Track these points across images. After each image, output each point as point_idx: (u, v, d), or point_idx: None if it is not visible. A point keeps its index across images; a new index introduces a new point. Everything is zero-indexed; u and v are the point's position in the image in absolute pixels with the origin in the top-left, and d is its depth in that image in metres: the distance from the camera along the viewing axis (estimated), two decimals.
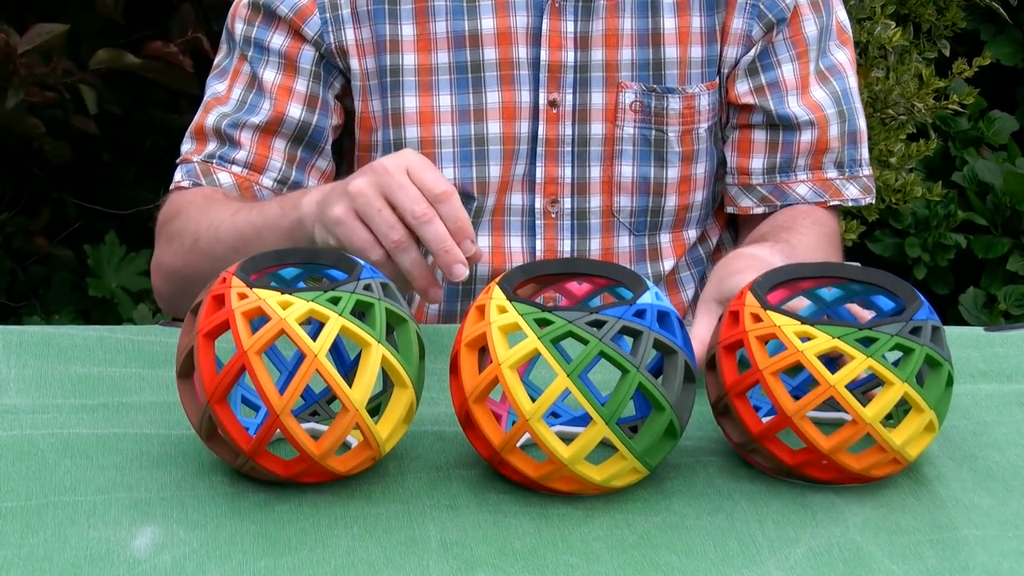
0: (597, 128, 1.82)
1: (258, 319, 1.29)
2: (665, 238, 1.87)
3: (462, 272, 1.46)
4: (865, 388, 1.43)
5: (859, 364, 1.29)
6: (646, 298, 1.31)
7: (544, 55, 1.80)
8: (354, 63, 1.81)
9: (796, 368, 1.33)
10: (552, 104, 1.81)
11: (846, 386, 1.29)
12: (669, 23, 1.80)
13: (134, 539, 1.25)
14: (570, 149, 1.82)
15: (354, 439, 1.35)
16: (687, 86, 1.82)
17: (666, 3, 1.80)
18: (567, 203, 1.83)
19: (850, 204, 1.87)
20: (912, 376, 1.30)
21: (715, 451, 1.40)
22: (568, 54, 1.80)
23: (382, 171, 1.50)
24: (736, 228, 1.95)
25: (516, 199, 1.83)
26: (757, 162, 1.85)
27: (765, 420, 1.33)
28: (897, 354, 1.32)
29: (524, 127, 1.81)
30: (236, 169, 1.82)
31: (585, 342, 1.28)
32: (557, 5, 1.79)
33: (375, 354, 1.29)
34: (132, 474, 1.34)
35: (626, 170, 1.83)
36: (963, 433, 1.45)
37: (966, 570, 1.24)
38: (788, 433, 1.32)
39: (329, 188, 1.57)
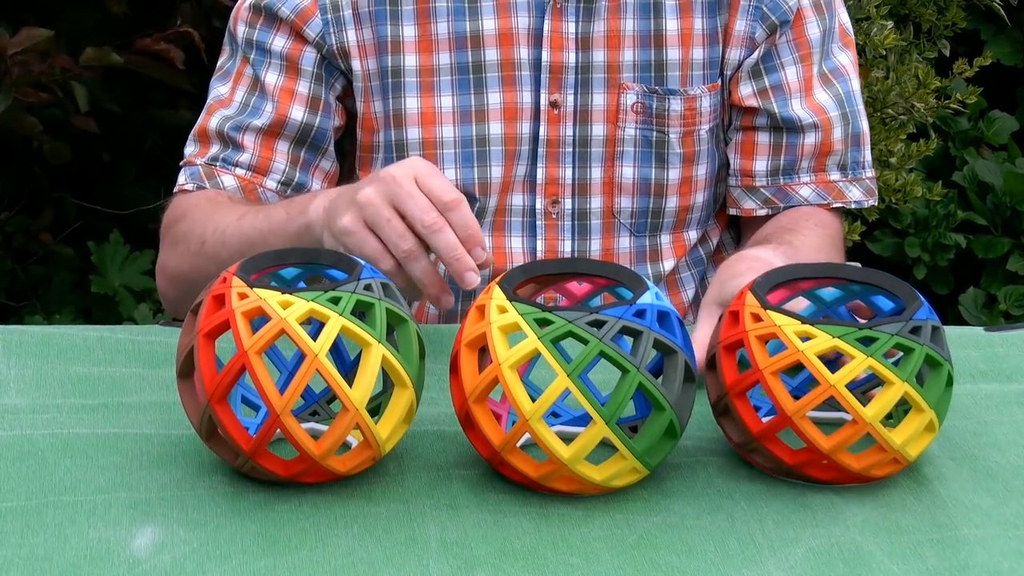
0: (598, 129, 1.82)
1: (258, 319, 1.29)
2: (665, 239, 1.87)
3: (474, 279, 1.46)
4: (865, 388, 1.43)
5: (859, 364, 1.29)
6: (646, 298, 1.31)
7: (545, 56, 1.80)
8: (356, 64, 1.81)
9: (796, 368, 1.34)
10: (553, 105, 1.81)
11: (846, 386, 1.29)
12: (671, 24, 1.81)
13: (134, 539, 1.25)
14: (571, 150, 1.82)
15: (354, 439, 1.35)
16: (689, 88, 1.82)
17: (668, 4, 1.80)
18: (568, 204, 1.84)
19: (853, 206, 1.88)
20: (912, 376, 1.30)
21: (715, 451, 1.40)
22: (569, 55, 1.80)
23: (390, 180, 1.50)
24: (737, 229, 1.95)
25: (517, 200, 1.83)
26: (760, 164, 1.85)
27: (765, 420, 1.33)
28: (897, 354, 1.32)
29: (525, 128, 1.82)
30: (240, 171, 1.82)
31: (585, 342, 1.28)
32: (559, 6, 1.79)
33: (375, 354, 1.29)
34: (132, 474, 1.34)
35: (627, 171, 1.83)
36: (963, 433, 1.45)
37: (966, 570, 1.24)
38: (788, 433, 1.32)
39: (336, 194, 1.57)
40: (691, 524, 1.29)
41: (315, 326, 1.29)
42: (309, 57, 1.82)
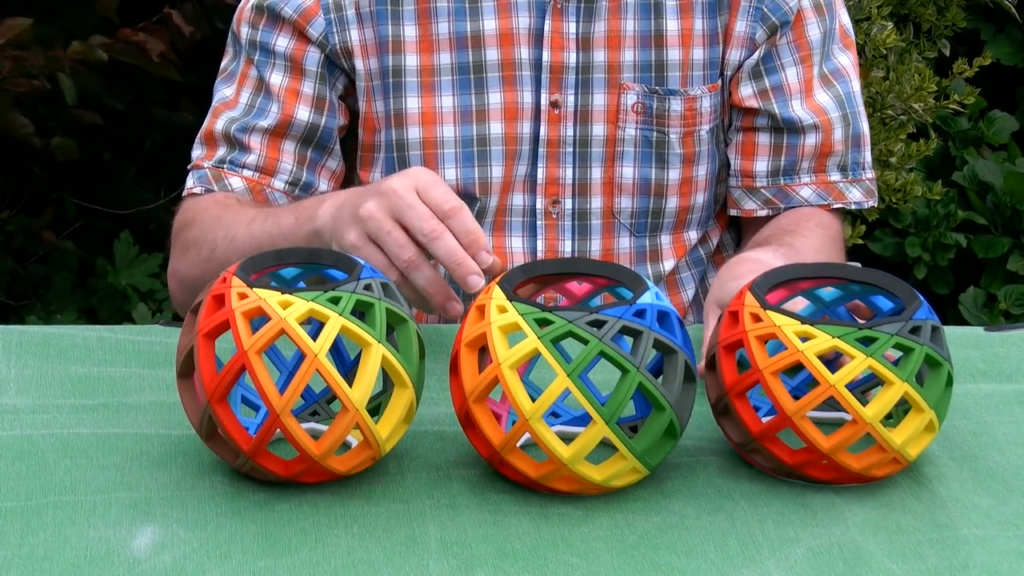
0: (599, 129, 1.82)
1: (258, 319, 1.29)
2: (666, 239, 1.87)
3: (477, 283, 1.46)
4: (864, 388, 1.43)
5: (859, 364, 1.29)
6: (646, 298, 1.31)
7: (546, 56, 1.80)
8: (359, 63, 1.82)
9: (794, 368, 1.33)
10: (554, 105, 1.81)
11: (845, 386, 1.29)
12: (672, 25, 1.81)
13: (134, 539, 1.25)
14: (571, 150, 1.82)
15: (354, 439, 1.35)
16: (689, 88, 1.82)
17: (669, 5, 1.80)
18: (568, 204, 1.84)
19: (853, 207, 1.88)
20: (912, 376, 1.30)
21: (715, 451, 1.40)
22: (570, 55, 1.80)
23: (391, 192, 1.50)
24: (738, 230, 1.95)
25: (518, 200, 1.84)
26: (761, 165, 1.85)
27: (765, 420, 1.33)
28: (896, 354, 1.32)
29: (526, 128, 1.82)
30: (247, 173, 1.82)
31: (585, 342, 1.28)
32: (559, 6, 1.79)
33: (375, 354, 1.29)
34: (132, 474, 1.34)
35: (627, 171, 1.83)
36: (963, 433, 1.45)
37: (966, 569, 1.24)
38: (788, 433, 1.32)
39: (341, 201, 1.57)
40: (691, 524, 1.29)
41: (315, 326, 1.29)
42: (313, 57, 1.82)
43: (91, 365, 1.53)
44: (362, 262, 1.35)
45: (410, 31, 1.81)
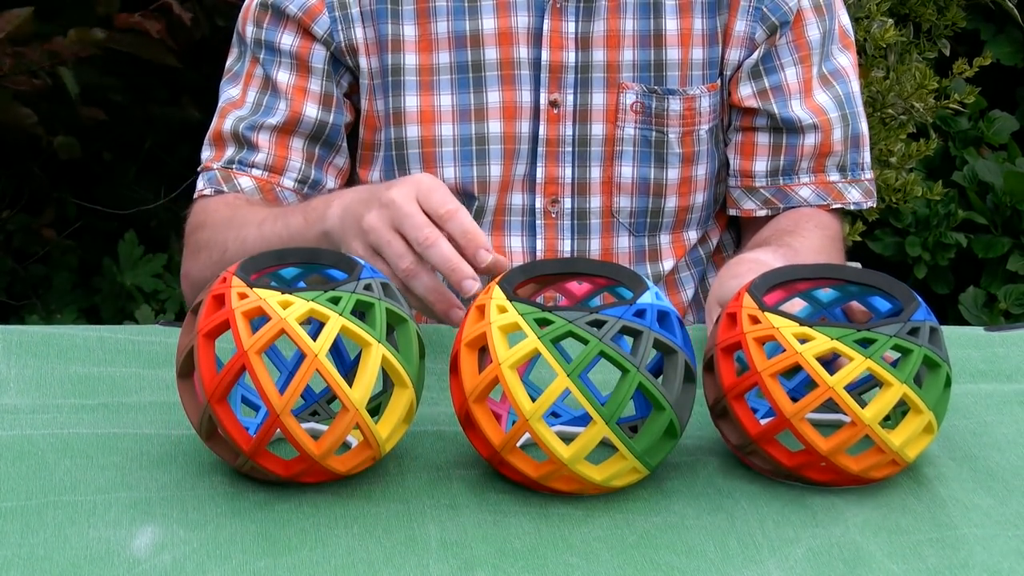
0: (598, 128, 1.82)
1: (258, 319, 1.29)
2: (665, 239, 1.87)
3: (472, 287, 1.46)
4: (861, 390, 1.43)
5: (857, 365, 1.29)
6: (646, 298, 1.31)
7: (545, 55, 1.80)
8: (363, 61, 1.82)
9: (793, 370, 1.33)
10: (553, 104, 1.81)
11: (844, 387, 1.29)
12: (671, 24, 1.81)
13: (134, 539, 1.25)
14: (571, 149, 1.82)
15: (354, 439, 1.35)
16: (688, 88, 1.82)
17: (668, 4, 1.80)
18: (567, 203, 1.84)
19: (852, 207, 1.88)
20: (911, 377, 1.30)
21: (715, 451, 1.40)
22: (569, 54, 1.80)
23: (390, 203, 1.50)
24: (737, 229, 1.95)
25: (517, 199, 1.84)
26: (760, 165, 1.86)
27: (763, 422, 1.33)
28: (895, 355, 1.32)
29: (525, 127, 1.82)
30: (256, 172, 1.82)
31: (585, 342, 1.28)
32: (558, 6, 1.79)
33: (375, 354, 1.29)
34: (132, 474, 1.34)
35: (626, 171, 1.83)
36: (963, 433, 1.45)
37: (966, 569, 1.24)
38: (787, 435, 1.32)
39: (347, 203, 1.57)
40: (691, 524, 1.29)
41: (315, 326, 1.29)
42: (319, 55, 1.82)
43: (91, 365, 1.54)
44: (362, 262, 1.35)
45: (409, 30, 1.81)
